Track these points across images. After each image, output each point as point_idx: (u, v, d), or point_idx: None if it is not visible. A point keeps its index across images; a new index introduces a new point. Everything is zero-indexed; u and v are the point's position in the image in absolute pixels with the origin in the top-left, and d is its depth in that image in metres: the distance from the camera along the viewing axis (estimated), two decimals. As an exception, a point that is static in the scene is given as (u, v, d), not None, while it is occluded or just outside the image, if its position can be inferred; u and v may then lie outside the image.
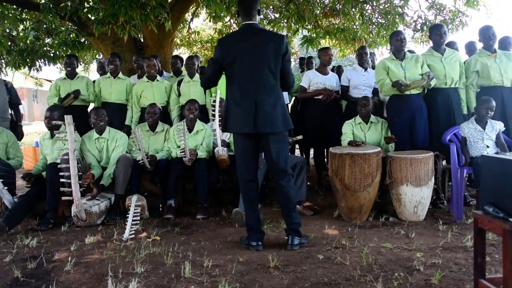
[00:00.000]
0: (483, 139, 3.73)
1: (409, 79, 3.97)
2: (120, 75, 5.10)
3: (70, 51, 7.31)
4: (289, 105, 5.91)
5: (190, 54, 7.00)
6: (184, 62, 5.39)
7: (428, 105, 4.10)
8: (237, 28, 9.89)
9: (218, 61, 3.06)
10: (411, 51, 4.33)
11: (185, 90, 4.95)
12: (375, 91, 4.83)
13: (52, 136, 4.08)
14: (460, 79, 4.16)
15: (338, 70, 6.05)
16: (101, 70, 5.72)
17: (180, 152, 4.11)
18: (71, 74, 5.08)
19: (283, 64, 3.00)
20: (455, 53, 4.22)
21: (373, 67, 5.24)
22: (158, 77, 5.06)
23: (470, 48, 4.97)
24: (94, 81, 5.21)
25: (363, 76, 4.87)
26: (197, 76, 5.04)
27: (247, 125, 2.95)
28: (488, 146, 3.73)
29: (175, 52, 9.20)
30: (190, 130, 4.32)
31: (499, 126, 3.77)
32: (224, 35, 10.22)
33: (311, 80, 4.91)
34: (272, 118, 2.95)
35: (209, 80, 3.20)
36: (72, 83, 5.01)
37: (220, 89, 4.84)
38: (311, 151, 5.91)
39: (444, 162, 4.22)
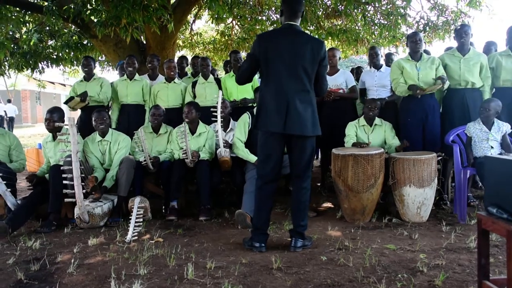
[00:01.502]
0: (488, 139, 3.72)
1: (422, 80, 3.95)
2: (136, 76, 5.03)
3: (73, 53, 7.35)
4: None
5: (203, 56, 6.91)
6: (199, 63, 5.35)
7: (443, 105, 4.09)
8: (239, 30, 9.91)
9: (255, 56, 3.01)
10: (426, 52, 4.28)
11: (200, 92, 4.92)
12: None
13: (54, 138, 4.09)
14: (483, 81, 4.09)
15: (357, 72, 5.96)
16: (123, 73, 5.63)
17: (182, 154, 4.11)
18: (88, 76, 5.01)
19: (318, 69, 2.96)
20: (479, 56, 4.13)
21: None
22: (176, 79, 5.03)
23: (485, 50, 4.91)
24: (112, 83, 5.10)
25: (375, 77, 4.82)
26: (211, 77, 5.03)
27: (277, 124, 2.91)
28: (492, 147, 3.71)
29: (178, 54, 9.21)
30: (193, 132, 4.31)
31: (506, 127, 3.75)
32: (226, 36, 10.24)
33: None
34: (303, 121, 2.91)
35: (243, 75, 3.12)
36: (88, 85, 4.92)
37: (232, 91, 4.85)
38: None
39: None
